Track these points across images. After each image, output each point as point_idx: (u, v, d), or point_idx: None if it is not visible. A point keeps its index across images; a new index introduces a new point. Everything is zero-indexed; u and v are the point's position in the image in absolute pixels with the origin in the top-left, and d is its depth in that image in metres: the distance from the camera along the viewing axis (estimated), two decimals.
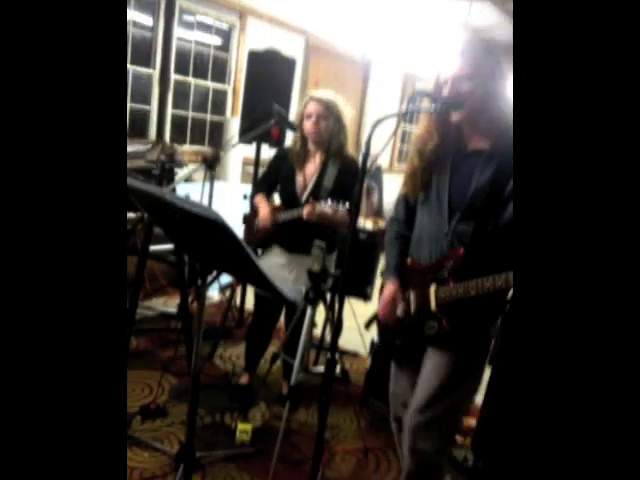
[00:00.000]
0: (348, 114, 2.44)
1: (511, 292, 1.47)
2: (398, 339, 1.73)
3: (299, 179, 2.43)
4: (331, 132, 2.38)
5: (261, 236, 2.50)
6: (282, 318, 2.77)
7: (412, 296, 1.67)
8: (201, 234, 1.43)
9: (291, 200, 2.43)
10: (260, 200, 2.52)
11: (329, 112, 2.35)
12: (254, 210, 2.56)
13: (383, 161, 7.17)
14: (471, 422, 2.50)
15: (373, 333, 2.54)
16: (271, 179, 2.57)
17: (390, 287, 1.69)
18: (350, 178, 2.36)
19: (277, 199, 2.58)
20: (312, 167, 2.44)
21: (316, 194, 2.36)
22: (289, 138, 3.31)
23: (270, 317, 2.71)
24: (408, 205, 1.76)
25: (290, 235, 2.44)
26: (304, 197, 2.41)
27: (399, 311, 1.66)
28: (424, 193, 1.64)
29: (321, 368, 2.51)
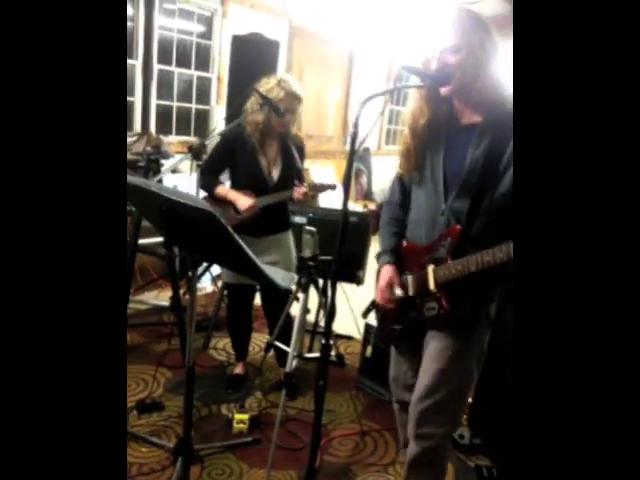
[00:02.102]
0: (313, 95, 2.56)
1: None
2: (397, 325, 1.72)
3: (262, 162, 2.44)
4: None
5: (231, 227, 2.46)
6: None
7: (410, 279, 1.65)
8: (189, 225, 1.41)
9: (257, 183, 2.42)
10: (226, 191, 2.45)
11: (299, 104, 2.43)
12: (218, 200, 2.46)
13: (371, 143, 7.13)
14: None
15: (369, 317, 2.54)
16: (221, 164, 2.51)
17: (386, 271, 1.67)
18: (303, 156, 2.62)
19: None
20: (273, 150, 2.48)
21: (293, 175, 2.48)
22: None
23: (244, 303, 2.71)
24: (403, 187, 1.73)
25: (258, 220, 2.43)
26: (274, 179, 2.45)
27: (397, 292, 1.64)
28: (419, 173, 1.61)
29: (316, 354, 2.51)
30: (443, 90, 1.46)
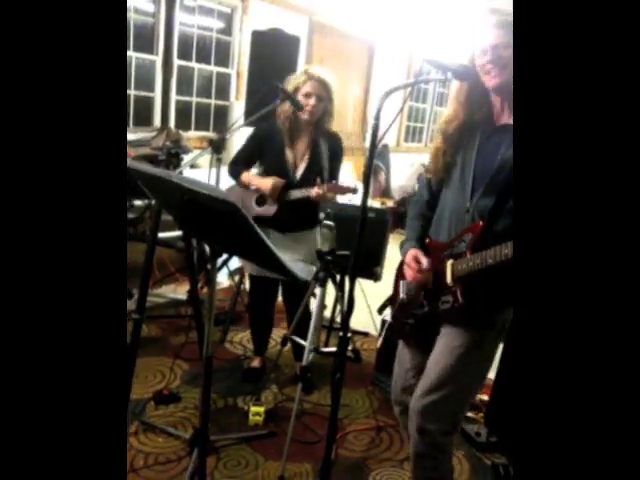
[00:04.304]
0: (337, 91, 2.47)
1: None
2: (410, 319, 1.71)
3: (289, 156, 2.43)
4: (323, 111, 2.41)
5: (253, 218, 2.48)
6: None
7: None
8: (209, 216, 1.42)
9: (282, 178, 2.41)
10: (252, 176, 2.48)
11: (327, 93, 2.38)
12: (242, 187, 2.51)
13: (390, 140, 7.10)
14: (483, 397, 2.50)
15: (385, 313, 2.54)
16: (250, 156, 2.53)
17: (411, 252, 1.66)
18: (339, 156, 2.51)
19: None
20: (302, 145, 2.45)
21: (317, 173, 2.38)
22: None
23: (267, 297, 2.71)
24: (431, 187, 1.73)
25: (283, 215, 2.44)
26: (298, 174, 2.43)
27: (424, 261, 1.60)
28: (448, 174, 1.61)
29: (332, 349, 2.52)
30: (492, 83, 1.45)
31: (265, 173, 2.49)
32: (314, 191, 2.29)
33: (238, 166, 2.52)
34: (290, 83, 2.38)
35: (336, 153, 2.48)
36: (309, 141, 2.45)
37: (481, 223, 1.48)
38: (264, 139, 2.46)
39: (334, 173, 2.47)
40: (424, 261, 1.61)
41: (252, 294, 2.77)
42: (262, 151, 2.47)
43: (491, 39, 1.44)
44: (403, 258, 1.71)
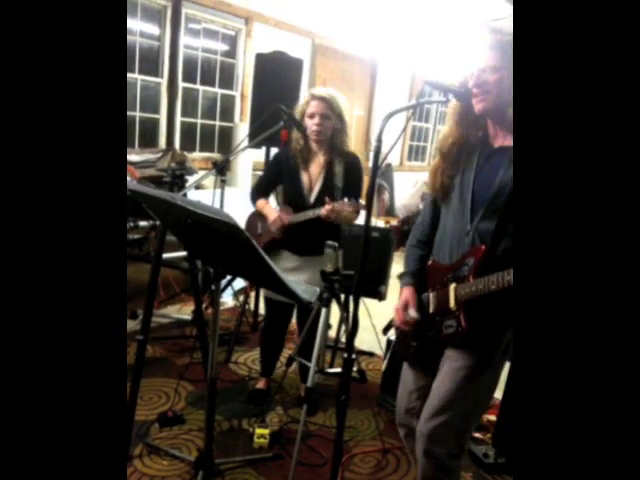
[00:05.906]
0: (348, 110, 2.42)
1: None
2: (415, 341, 1.70)
3: (304, 179, 2.42)
4: (333, 130, 2.38)
5: (269, 241, 2.49)
6: (294, 320, 2.76)
7: (431, 296, 1.64)
8: (213, 238, 1.43)
9: (298, 200, 2.42)
10: (264, 204, 2.50)
11: (332, 110, 2.35)
12: (258, 214, 2.55)
13: (393, 159, 7.14)
14: (491, 417, 2.47)
15: (390, 333, 2.53)
16: (270, 182, 2.55)
17: (404, 292, 1.68)
18: (357, 175, 2.44)
19: (272, 201, 2.59)
20: (316, 167, 2.44)
21: (329, 194, 2.34)
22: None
23: (281, 320, 2.69)
24: (435, 208, 1.73)
25: (299, 238, 2.43)
26: (312, 197, 2.41)
27: (412, 314, 1.63)
28: (447, 195, 1.61)
29: (337, 369, 2.50)
30: (478, 107, 1.46)
31: (284, 197, 2.50)
32: (323, 210, 2.24)
33: (257, 193, 2.55)
34: (297, 110, 2.41)
35: (353, 172, 2.43)
36: (324, 162, 2.42)
37: (483, 247, 1.48)
38: (282, 164, 2.47)
39: (355, 193, 2.36)
40: (412, 313, 1.63)
41: (267, 316, 2.74)
42: (280, 176, 2.49)
43: (480, 62, 1.45)
44: (400, 290, 1.72)
